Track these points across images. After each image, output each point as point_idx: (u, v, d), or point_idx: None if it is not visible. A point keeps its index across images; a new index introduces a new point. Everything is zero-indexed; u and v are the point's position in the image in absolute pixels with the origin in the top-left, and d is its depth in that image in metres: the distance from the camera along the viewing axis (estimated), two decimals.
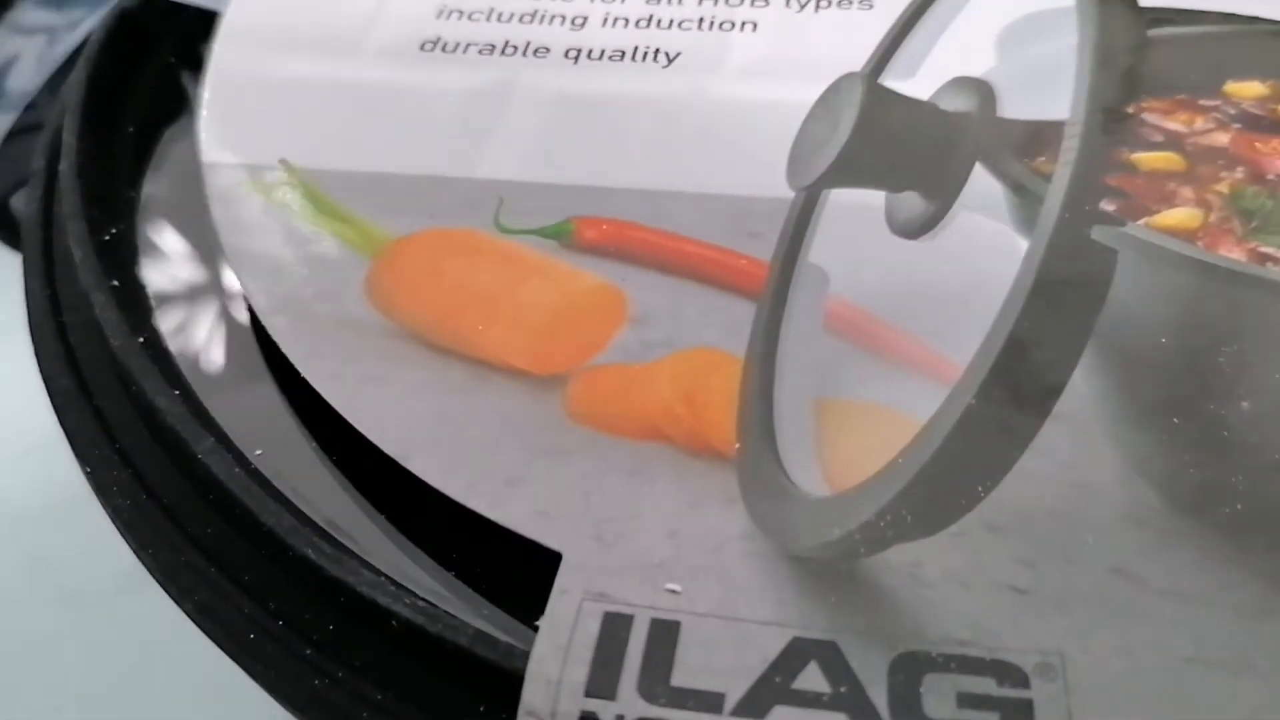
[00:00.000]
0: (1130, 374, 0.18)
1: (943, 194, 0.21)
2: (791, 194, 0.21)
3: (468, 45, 0.25)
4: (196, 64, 0.26)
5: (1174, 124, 0.22)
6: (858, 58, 0.24)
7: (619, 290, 0.20)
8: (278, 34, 0.25)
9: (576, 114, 0.23)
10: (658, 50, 0.24)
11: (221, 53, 0.25)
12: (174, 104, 0.26)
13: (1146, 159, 0.22)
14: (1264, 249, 0.20)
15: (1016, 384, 0.17)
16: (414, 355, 0.19)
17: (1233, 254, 0.20)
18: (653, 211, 0.21)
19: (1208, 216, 0.21)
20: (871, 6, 0.25)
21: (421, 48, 0.25)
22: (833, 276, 0.20)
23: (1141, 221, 0.20)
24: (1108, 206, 0.20)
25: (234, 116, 0.23)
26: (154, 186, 0.24)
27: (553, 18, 0.25)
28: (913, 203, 0.21)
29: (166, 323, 0.21)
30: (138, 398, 0.18)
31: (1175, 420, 0.17)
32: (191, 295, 0.21)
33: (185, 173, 0.24)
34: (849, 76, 0.23)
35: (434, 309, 0.20)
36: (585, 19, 0.25)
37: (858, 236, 0.20)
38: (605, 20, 0.25)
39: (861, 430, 0.17)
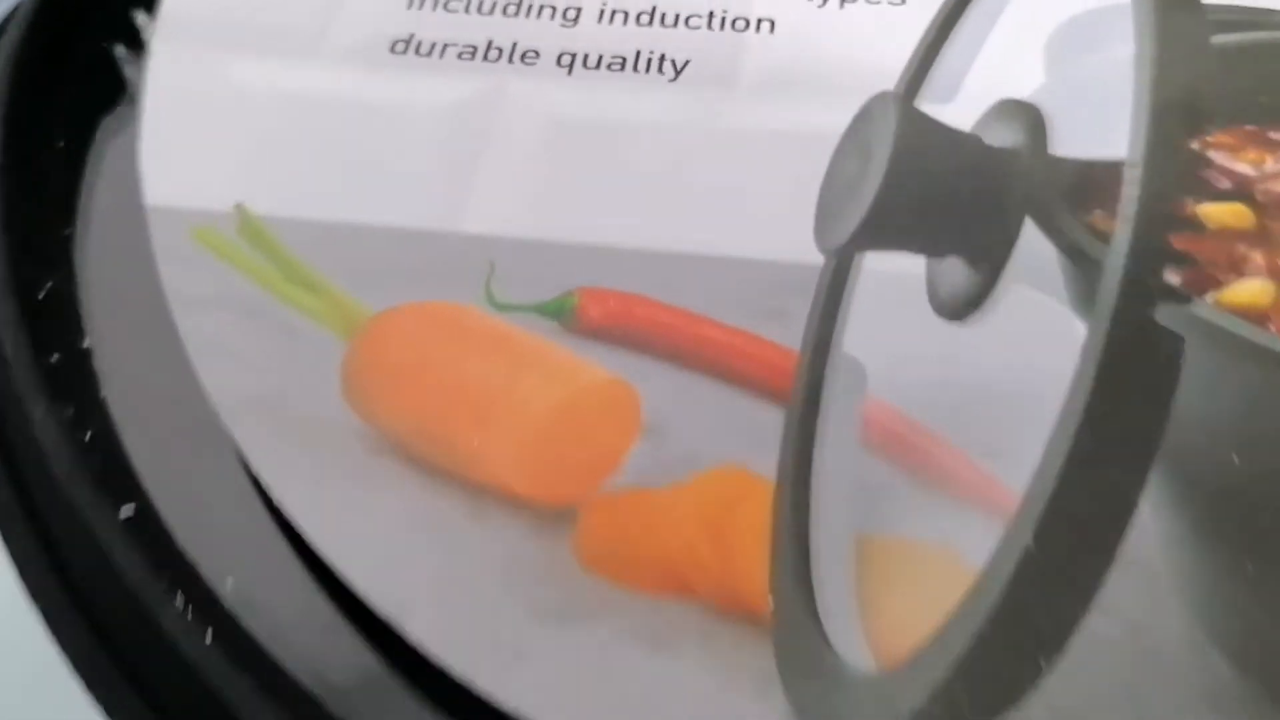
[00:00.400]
0: (1197, 503, 0.17)
1: (990, 260, 0.19)
2: (820, 258, 0.19)
3: (445, 47, 0.22)
4: (133, 42, 0.23)
5: (1242, 165, 0.20)
6: (890, 66, 0.21)
7: (631, 389, 0.17)
8: (226, 27, 0.22)
9: (573, 145, 0.20)
10: (663, 57, 0.21)
11: (161, 52, 0.22)
12: (110, 98, 0.23)
13: (1214, 212, 0.19)
14: None
15: (1079, 521, 0.16)
16: (402, 474, 0.17)
17: None
18: (663, 278, 0.19)
19: None
20: (904, 1, 0.22)
21: (392, 49, 0.22)
22: (871, 370, 0.18)
23: (1209, 298, 0.18)
24: (1172, 278, 0.18)
25: (178, 141, 0.20)
26: (94, 215, 0.21)
27: (542, 7, 0.22)
28: (957, 272, 0.19)
29: (119, 409, 0.18)
30: (88, 532, 0.16)
31: (1249, 566, 0.16)
32: (146, 370, 0.19)
33: (128, 197, 0.21)
34: (880, 99, 0.20)
35: (419, 412, 0.17)
36: (579, 10, 0.22)
37: (896, 317, 0.18)
38: (602, 12, 0.22)
39: (909, 580, 0.16)
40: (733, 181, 0.20)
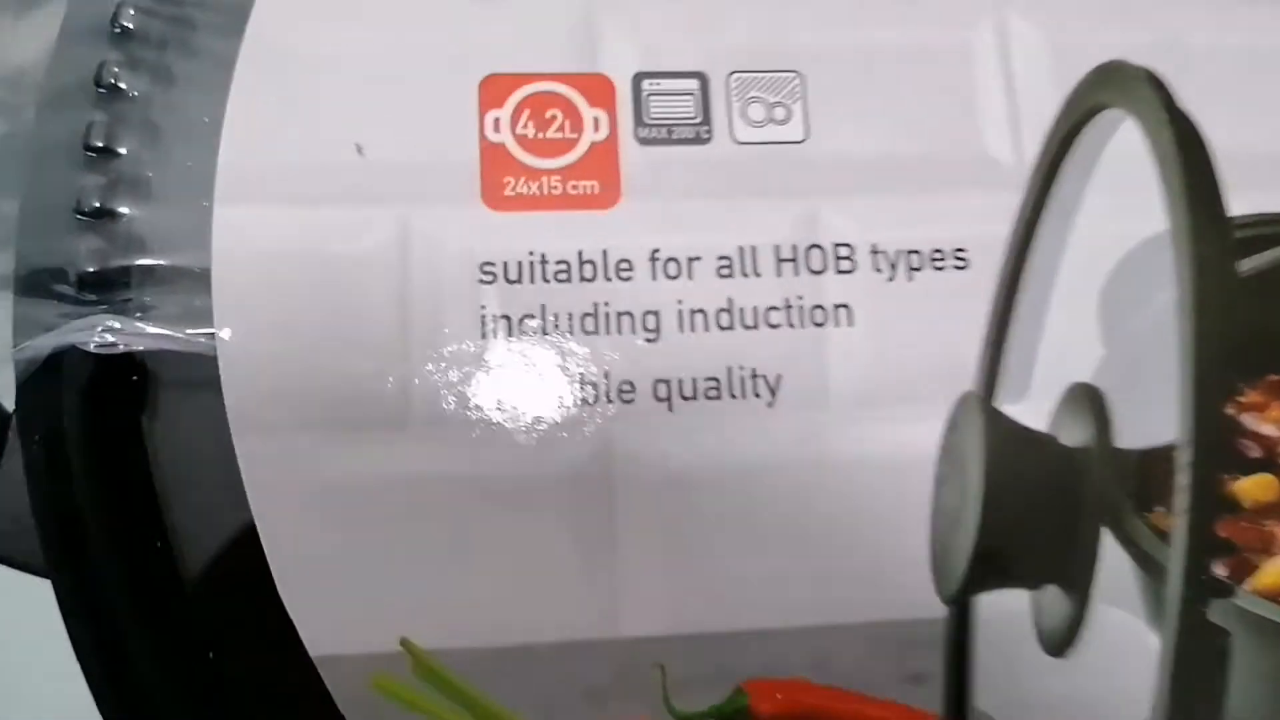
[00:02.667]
0: None
1: (1080, 582, 0.21)
2: (941, 609, 0.21)
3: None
4: None
5: (1267, 426, 0.23)
6: (966, 342, 0.22)
7: None
8: (304, 405, 0.20)
9: (693, 506, 0.21)
10: (754, 373, 0.21)
11: (250, 459, 0.20)
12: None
13: (1247, 489, 0.22)
14: None
15: None
16: None
17: None
18: (810, 653, 0.21)
19: None
20: (966, 264, 0.22)
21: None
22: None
23: (1246, 585, 0.22)
24: (1219, 570, 0.22)
25: (315, 582, 0.20)
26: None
27: (620, 315, 0.21)
28: (1054, 602, 0.21)
29: None
30: None
31: None
32: None
33: None
34: (965, 407, 0.22)
35: None
36: (658, 315, 0.21)
37: (1014, 661, 0.21)
38: (680, 315, 0.21)
39: None
40: (847, 525, 0.21)
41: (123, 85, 0.22)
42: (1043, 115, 0.23)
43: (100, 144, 0.21)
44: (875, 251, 0.22)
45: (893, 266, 0.22)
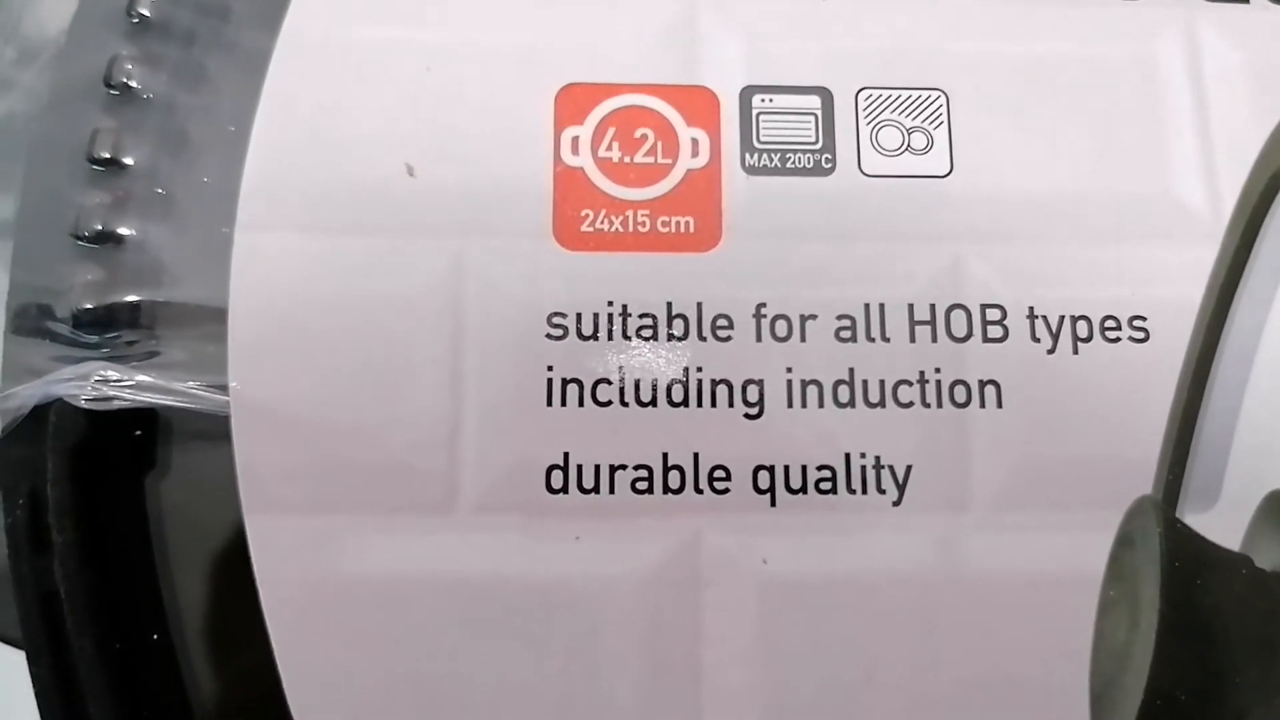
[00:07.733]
0: None
1: None
2: None
3: (613, 471, 0.17)
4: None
5: None
6: (1144, 438, 0.17)
7: None
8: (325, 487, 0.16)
9: (795, 633, 0.16)
10: (878, 462, 0.17)
11: (262, 544, 0.16)
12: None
13: None
14: None
15: None
16: None
17: None
18: None
19: None
20: (1146, 336, 0.17)
21: (548, 483, 0.17)
22: None
23: None
24: None
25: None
26: None
27: (715, 384, 0.17)
28: None
29: None
30: None
31: None
32: None
33: None
34: (1141, 518, 0.17)
35: None
36: (761, 385, 0.17)
37: None
38: (789, 386, 0.17)
39: None
40: (986, 657, 0.16)
41: (135, 85, 0.18)
42: (1242, 152, 0.18)
43: (106, 155, 0.17)
44: (1032, 316, 0.17)
45: (1053, 335, 0.17)
